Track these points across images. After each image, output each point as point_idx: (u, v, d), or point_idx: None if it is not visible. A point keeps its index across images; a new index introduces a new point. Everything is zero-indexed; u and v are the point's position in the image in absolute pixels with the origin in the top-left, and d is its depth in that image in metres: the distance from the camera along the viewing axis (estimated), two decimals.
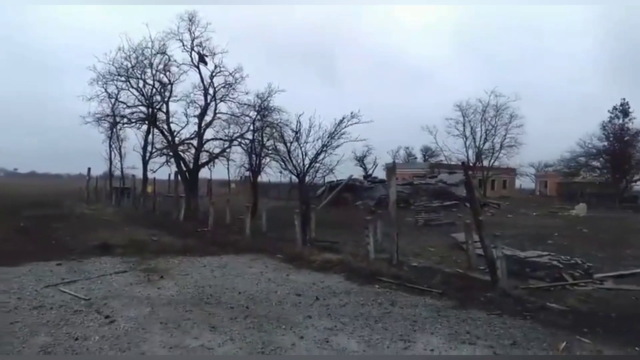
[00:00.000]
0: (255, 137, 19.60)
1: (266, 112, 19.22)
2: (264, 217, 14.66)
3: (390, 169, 10.43)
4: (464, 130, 43.09)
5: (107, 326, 4.96)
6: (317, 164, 14.57)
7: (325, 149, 14.52)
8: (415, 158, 65.62)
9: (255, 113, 19.48)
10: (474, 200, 8.40)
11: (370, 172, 50.44)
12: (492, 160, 43.44)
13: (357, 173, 43.95)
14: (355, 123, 14.67)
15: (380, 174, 45.76)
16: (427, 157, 60.88)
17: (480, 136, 42.66)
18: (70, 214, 18.66)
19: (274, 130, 18.58)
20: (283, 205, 22.57)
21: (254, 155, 19.27)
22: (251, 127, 19.72)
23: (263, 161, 19.76)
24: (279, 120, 18.90)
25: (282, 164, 15.85)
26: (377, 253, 9.27)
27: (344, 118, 14.64)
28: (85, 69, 20.55)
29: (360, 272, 8.04)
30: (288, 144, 15.16)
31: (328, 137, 14.61)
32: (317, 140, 14.35)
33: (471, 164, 40.66)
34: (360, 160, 52.37)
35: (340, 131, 14.72)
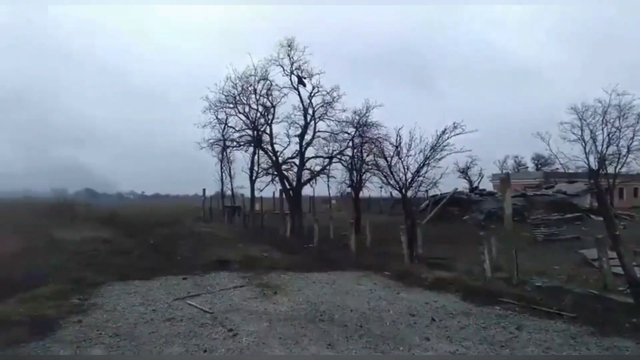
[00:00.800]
0: (354, 153, 19.75)
1: (365, 128, 19.29)
2: (368, 232, 14.56)
3: (504, 179, 9.78)
4: (582, 134, 38.74)
5: (231, 339, 5.23)
6: (420, 178, 14.20)
7: (427, 162, 14.11)
8: (526, 167, 60.60)
9: (354, 129, 19.65)
10: (608, 212, 7.49)
11: (475, 184, 47.72)
12: (619, 167, 38.41)
13: (461, 186, 41.78)
14: (459, 134, 14.10)
15: (486, 185, 43.05)
16: (539, 165, 55.90)
17: (603, 140, 37.97)
18: (191, 232, 20.34)
19: (374, 146, 18.62)
20: (385, 220, 22.26)
21: (354, 172, 19.37)
22: (350, 144, 19.94)
23: (364, 177, 19.81)
24: (377, 135, 18.90)
25: (384, 179, 15.73)
26: (493, 271, 8.63)
27: (445, 129, 14.13)
28: (199, 99, 22.61)
29: (477, 292, 7.53)
30: (389, 159, 15.02)
31: (430, 149, 14.22)
32: (419, 153, 14.01)
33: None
34: (464, 172, 49.79)
35: (442, 143, 14.24)
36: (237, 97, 21.77)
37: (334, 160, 20.56)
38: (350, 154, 19.80)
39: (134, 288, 8.22)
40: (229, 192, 29.24)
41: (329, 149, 20.91)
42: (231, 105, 22.06)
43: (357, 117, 19.63)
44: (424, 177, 14.00)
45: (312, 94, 20.69)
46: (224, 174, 28.49)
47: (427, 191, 20.21)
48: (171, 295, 7.65)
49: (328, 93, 20.54)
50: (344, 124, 20.34)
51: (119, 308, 6.75)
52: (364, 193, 21.54)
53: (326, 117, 20.79)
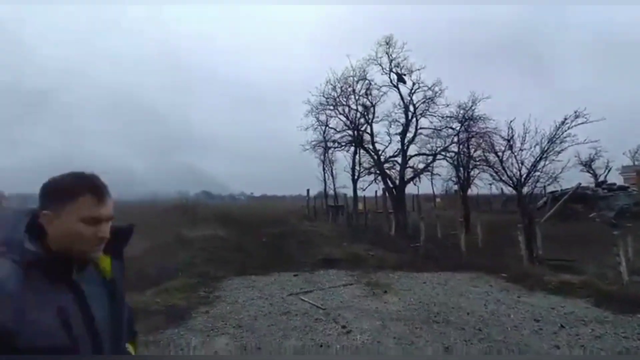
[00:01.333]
0: (460, 149, 18.86)
1: (471, 122, 18.32)
2: (479, 231, 13.80)
3: None
4: None
5: (345, 336, 5.30)
6: (537, 173, 13.10)
7: (544, 155, 12.97)
8: None
9: (459, 124, 18.77)
10: None
11: (601, 178, 42.58)
12: None
13: (585, 180, 37.54)
14: (581, 123, 12.74)
15: (615, 179, 38.11)
16: None
17: None
18: (298, 231, 21.15)
19: (482, 140, 17.59)
20: (497, 219, 20.93)
21: (461, 168, 18.51)
22: (455, 140, 19.08)
23: (471, 173, 18.79)
24: (485, 129, 17.81)
25: (495, 175, 14.79)
26: (631, 275, 7.62)
27: (565, 119, 12.87)
28: (302, 102, 23.36)
29: (613, 298, 6.69)
30: (500, 153, 14.09)
31: (548, 142, 13.05)
32: (535, 146, 12.95)
33: None
34: (588, 165, 44.74)
35: (562, 134, 12.99)
36: (337, 99, 22.07)
37: (438, 157, 19.83)
38: (455, 150, 18.97)
39: (251, 282, 8.77)
40: (331, 192, 29.78)
41: (432, 146, 20.24)
42: (331, 107, 22.44)
43: (462, 111, 18.73)
44: (541, 171, 12.95)
45: (413, 91, 20.17)
46: (326, 174, 29.07)
47: (544, 187, 18.71)
48: (285, 290, 8.01)
49: (429, 88, 19.85)
50: (447, 119, 19.49)
51: (240, 301, 7.24)
52: (472, 190, 20.54)
53: (428, 113, 20.10)
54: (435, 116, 19.93)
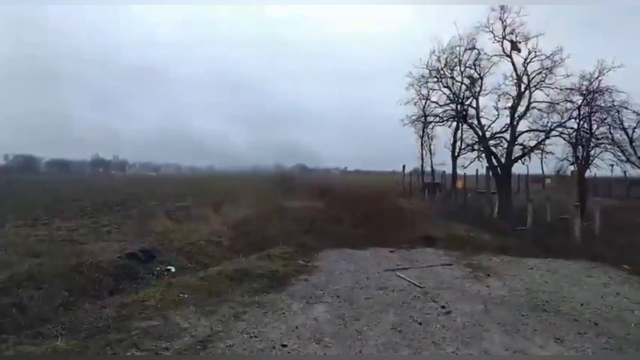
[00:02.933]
0: (580, 125, 16.96)
1: (595, 95, 16.31)
2: (597, 217, 12.43)
3: None
4: None
5: (445, 316, 5.16)
6: None
7: None
8: None
9: (581, 97, 16.81)
10: None
11: None
12: None
13: None
14: None
15: None
16: None
17: None
18: (393, 207, 20.96)
19: (608, 116, 15.62)
20: (619, 205, 18.75)
21: (579, 147, 16.69)
22: (575, 115, 17.17)
23: (591, 153, 16.87)
24: (612, 103, 15.76)
25: (620, 155, 13.15)
26: None
27: None
28: (403, 76, 22.62)
29: None
30: (629, 131, 12.44)
31: None
32: None
33: None
34: None
35: None
36: (441, 71, 21.01)
37: (553, 133, 18.04)
38: (574, 126, 17.10)
39: (347, 256, 8.92)
40: (428, 169, 28.82)
41: (546, 122, 18.45)
42: (435, 80, 21.45)
43: (585, 83, 16.73)
44: None
45: (528, 60, 18.36)
46: (424, 150, 28.14)
47: None
48: (381, 265, 8.01)
49: (548, 57, 17.89)
50: (567, 91, 17.53)
51: (337, 272, 7.41)
52: (590, 172, 18.49)
53: (544, 84, 18.23)
54: (552, 88, 18.03)
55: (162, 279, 6.51)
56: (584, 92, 16.59)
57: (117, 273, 6.43)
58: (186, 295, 5.63)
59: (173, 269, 7.20)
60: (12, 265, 6.50)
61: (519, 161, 19.47)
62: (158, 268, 7.13)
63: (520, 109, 18.66)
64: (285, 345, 4.18)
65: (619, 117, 14.17)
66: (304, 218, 13.95)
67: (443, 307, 5.51)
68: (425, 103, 23.20)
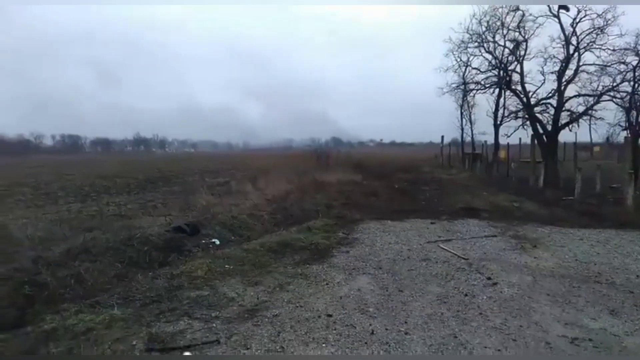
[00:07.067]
0: (635, 88, 15.90)
1: None
2: None
3: None
4: None
5: (491, 288, 5.06)
6: None
7: None
8: None
9: (637, 58, 15.69)
10: None
11: None
12: None
13: None
14: None
15: None
16: None
17: None
18: (431, 178, 20.63)
19: None
20: None
21: (633, 111, 15.69)
22: (628, 77, 16.08)
23: None
24: None
25: None
26: None
27: None
28: (442, 41, 21.80)
29: None
30: None
31: None
32: None
33: None
34: None
35: None
36: (483, 35, 20.13)
37: (604, 98, 17.02)
38: (628, 89, 16.06)
39: (387, 227, 8.86)
40: (468, 139, 28.03)
41: (597, 85, 17.41)
42: (475, 45, 20.59)
43: None
44: None
45: (577, 20, 17.27)
46: (464, 119, 27.29)
47: None
48: (422, 237, 7.92)
49: (599, 16, 16.76)
50: (620, 52, 16.44)
51: (378, 244, 7.39)
52: None
53: (595, 46, 17.16)
54: (604, 49, 16.98)
55: (208, 252, 6.69)
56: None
57: (166, 246, 6.66)
58: (231, 267, 5.77)
59: (217, 242, 7.39)
60: (67, 239, 6.86)
61: (566, 128, 18.61)
62: (203, 241, 7.33)
63: (569, 72, 17.73)
64: (330, 315, 4.22)
65: None
66: (341, 191, 13.94)
67: (489, 278, 5.40)
68: (466, 70, 22.40)
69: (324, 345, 3.62)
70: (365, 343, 3.65)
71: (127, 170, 29.32)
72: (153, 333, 3.79)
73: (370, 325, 4.02)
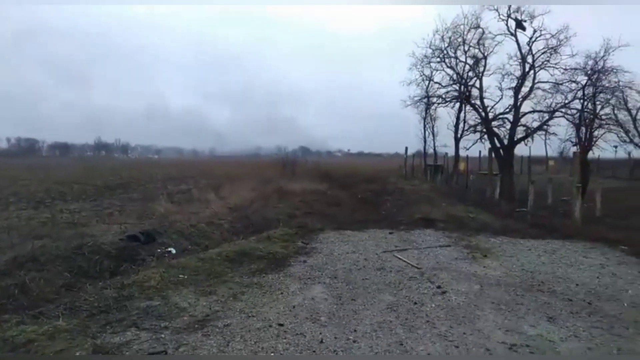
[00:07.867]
0: (584, 105, 16.83)
1: (600, 75, 16.13)
2: (598, 199, 12.45)
3: None
4: None
5: (440, 296, 5.23)
6: None
7: None
8: None
9: (586, 77, 16.62)
10: None
11: None
12: None
13: None
14: None
15: None
16: None
17: None
18: (394, 189, 20.99)
19: (612, 96, 15.49)
20: (621, 186, 18.70)
21: (582, 127, 16.59)
22: (579, 95, 17.01)
23: (595, 133, 16.79)
24: (617, 83, 15.59)
25: (624, 136, 13.08)
26: None
27: None
28: (406, 55, 22.32)
29: None
30: (633, 111, 12.34)
31: None
32: None
33: None
34: None
35: None
36: (445, 50, 20.76)
37: (557, 114, 17.90)
38: (578, 106, 16.96)
39: (346, 237, 8.98)
40: (431, 151, 28.76)
41: (551, 102, 18.28)
42: (438, 60, 21.21)
43: (590, 62, 16.54)
44: None
45: (533, 39, 18.08)
46: (426, 132, 28.01)
47: None
48: (379, 247, 8.08)
49: (553, 36, 17.64)
50: (572, 71, 17.35)
51: (335, 254, 7.48)
52: (593, 153, 18.41)
53: (549, 64, 18.02)
54: (557, 68, 17.85)
55: (163, 261, 6.59)
56: (589, 71, 16.44)
57: (118, 255, 6.52)
58: (186, 276, 5.71)
59: (173, 251, 7.29)
60: (14, 247, 6.60)
61: (522, 142, 19.40)
62: (159, 250, 7.21)
63: (524, 89, 18.53)
64: (281, 324, 4.25)
65: (623, 98, 14.10)
66: (304, 201, 14.01)
67: (439, 287, 5.57)
68: (428, 84, 22.99)
69: (272, 354, 3.65)
70: (314, 351, 3.71)
71: (86, 176, 28.32)
72: (98, 344, 3.71)
73: (320, 334, 4.07)
